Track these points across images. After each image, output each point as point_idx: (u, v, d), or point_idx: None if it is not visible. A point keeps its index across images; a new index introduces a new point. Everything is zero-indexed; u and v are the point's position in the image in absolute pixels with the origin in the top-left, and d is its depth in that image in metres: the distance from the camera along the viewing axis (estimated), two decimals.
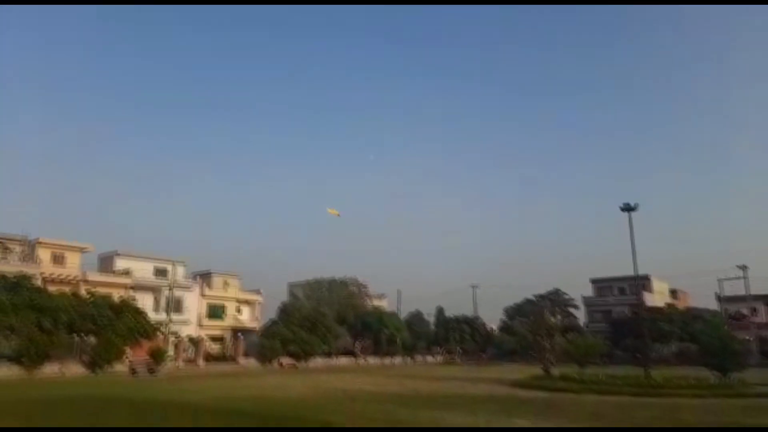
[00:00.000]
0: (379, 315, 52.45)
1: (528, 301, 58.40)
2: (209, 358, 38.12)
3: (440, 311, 62.75)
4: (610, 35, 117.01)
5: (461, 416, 12.29)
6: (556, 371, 25.05)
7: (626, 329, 49.39)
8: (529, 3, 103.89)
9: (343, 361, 45.76)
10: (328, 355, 44.99)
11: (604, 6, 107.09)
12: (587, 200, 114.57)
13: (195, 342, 38.27)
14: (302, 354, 40.54)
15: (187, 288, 43.89)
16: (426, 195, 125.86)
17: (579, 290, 64.76)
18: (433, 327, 61.83)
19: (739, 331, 46.84)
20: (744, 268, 50.57)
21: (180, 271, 44.28)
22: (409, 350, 54.78)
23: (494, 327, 65.34)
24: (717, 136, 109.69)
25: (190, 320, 43.16)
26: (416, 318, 63.32)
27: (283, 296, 57.23)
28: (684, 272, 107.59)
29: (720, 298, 56.09)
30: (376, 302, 62.46)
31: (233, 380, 24.88)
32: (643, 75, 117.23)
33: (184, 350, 36.75)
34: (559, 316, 56.94)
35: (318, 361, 42.21)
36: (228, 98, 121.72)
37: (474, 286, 67.84)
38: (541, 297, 57.56)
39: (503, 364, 46.13)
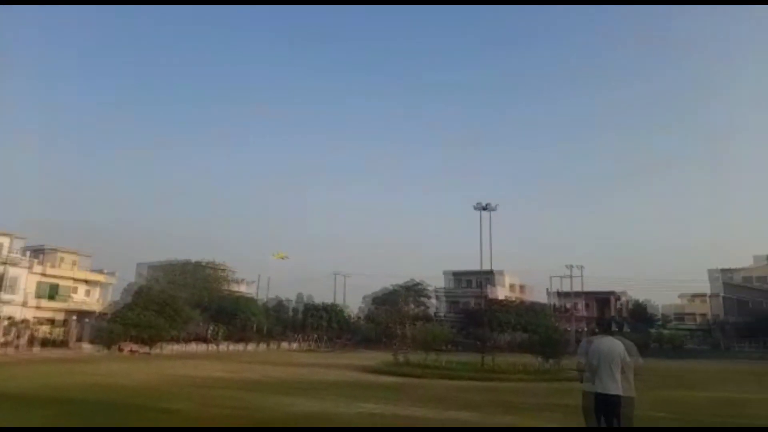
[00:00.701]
0: (238, 300, 50.98)
1: (388, 290, 60.72)
2: (45, 343, 34.19)
3: (302, 298, 62.83)
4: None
5: (310, 401, 12.48)
6: (406, 357, 26.46)
7: (473, 319, 53.70)
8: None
9: (196, 347, 43.79)
10: (179, 340, 42.74)
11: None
12: (454, 196, 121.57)
13: (19, 324, 33.99)
14: (149, 339, 37.99)
15: (16, 264, 38.75)
16: (296, 183, 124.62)
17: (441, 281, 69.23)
18: (293, 313, 61.74)
19: (564, 322, 53.55)
20: (571, 267, 57.64)
21: (17, 245, 39.10)
22: (267, 336, 54.07)
23: (357, 315, 67.09)
24: (570, 143, 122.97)
25: (19, 300, 38.29)
26: (278, 304, 62.70)
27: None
28: (533, 268, 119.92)
29: (551, 294, 63.45)
30: (237, 287, 60.62)
31: (69, 366, 22.59)
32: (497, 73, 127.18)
33: (7, 333, 32.48)
34: (413, 306, 60.15)
35: (168, 347, 39.91)
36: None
37: (337, 274, 68.89)
38: (401, 287, 60.17)
39: (361, 351, 47.50)
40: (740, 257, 69.38)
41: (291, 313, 62.30)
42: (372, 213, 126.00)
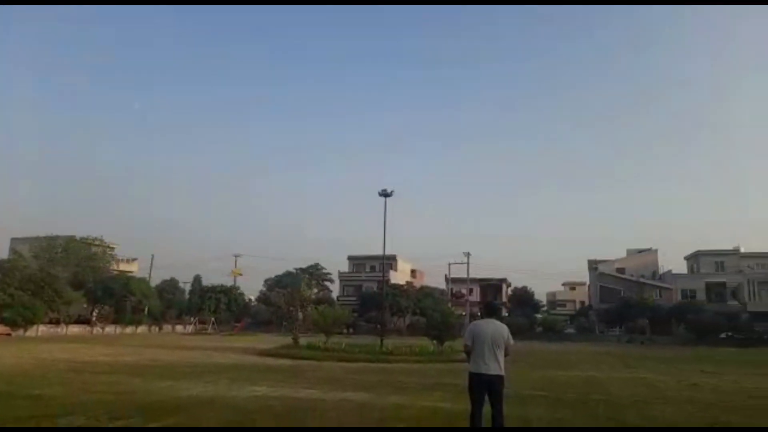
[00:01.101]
0: (126, 280, 47.90)
1: (288, 273, 60.09)
2: None
3: (197, 279, 60.35)
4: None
5: (201, 385, 12.12)
6: (304, 340, 26.49)
7: (372, 303, 54.78)
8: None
9: (76, 329, 40.67)
10: (57, 323, 39.45)
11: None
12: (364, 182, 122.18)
13: None
14: (22, 321, 34.65)
15: None
16: (195, 160, 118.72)
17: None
18: (188, 295, 59.19)
19: (458, 307, 56.14)
20: (468, 254, 60.49)
21: None
22: (157, 319, 51.44)
23: (253, 298, 65.67)
24: (475, 142, 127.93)
25: None
26: (170, 285, 59.76)
27: None
28: (433, 255, 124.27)
29: (449, 280, 66.22)
30: (125, 267, 56.92)
31: None
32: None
33: None
34: (315, 289, 60.13)
35: (43, 330, 36.71)
36: None
37: (237, 256, 66.92)
38: (302, 270, 59.82)
39: (258, 334, 46.69)
40: (617, 250, 76.11)
41: (188, 296, 59.72)
42: (281, 198, 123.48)
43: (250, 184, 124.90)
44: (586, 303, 73.52)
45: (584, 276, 72.89)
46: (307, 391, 11.64)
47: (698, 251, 61.18)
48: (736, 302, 54.73)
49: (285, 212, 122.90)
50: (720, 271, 58.89)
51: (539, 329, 55.53)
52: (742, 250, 59.16)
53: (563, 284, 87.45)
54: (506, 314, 64.57)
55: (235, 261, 69.30)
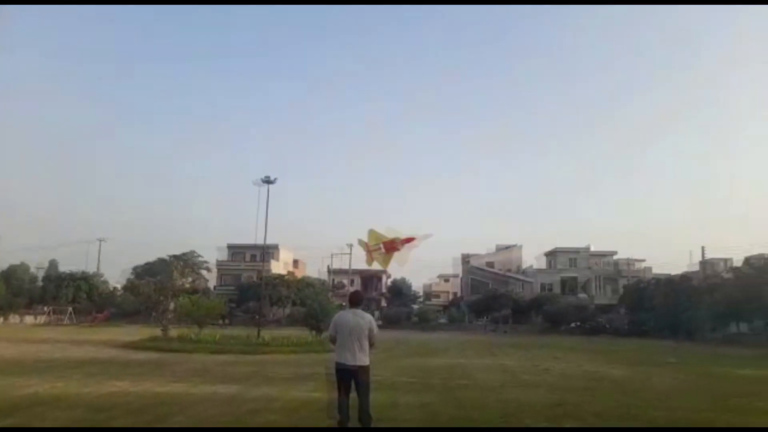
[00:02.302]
0: None
1: (160, 261, 56.44)
2: None
3: (53, 265, 54.55)
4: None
5: (48, 382, 10.98)
6: (175, 332, 25.11)
7: (250, 293, 53.37)
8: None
9: None
10: None
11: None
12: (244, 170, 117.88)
13: None
14: None
15: None
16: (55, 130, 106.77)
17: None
18: (41, 282, 53.29)
19: (340, 298, 56.63)
20: (351, 245, 61.23)
21: None
22: (2, 308, 45.76)
23: (119, 286, 60.76)
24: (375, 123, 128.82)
25: None
26: (18, 271, 53.44)
27: None
28: (315, 245, 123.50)
29: (330, 270, 66.54)
30: None
31: None
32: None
33: None
34: (189, 278, 57.16)
35: None
36: None
37: (101, 240, 61.51)
38: (175, 257, 56.48)
39: (123, 326, 43.35)
40: (488, 245, 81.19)
41: (41, 283, 53.68)
42: (154, 181, 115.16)
43: (119, 164, 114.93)
44: (459, 294, 78.02)
45: (458, 269, 77.30)
46: (173, 384, 11.07)
47: (556, 249, 67.61)
48: (585, 295, 61.49)
49: (160, 196, 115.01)
50: (573, 267, 65.69)
51: (414, 319, 57.91)
52: (592, 249, 66.45)
53: (438, 276, 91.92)
54: (384, 305, 66.62)
55: (99, 245, 63.74)
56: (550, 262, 69.45)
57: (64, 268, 55.96)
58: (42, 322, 47.33)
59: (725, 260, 54.24)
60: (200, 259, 58.62)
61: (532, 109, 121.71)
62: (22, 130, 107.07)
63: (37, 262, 58.18)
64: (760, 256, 44.01)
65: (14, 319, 47.10)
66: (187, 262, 56.91)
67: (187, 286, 53.25)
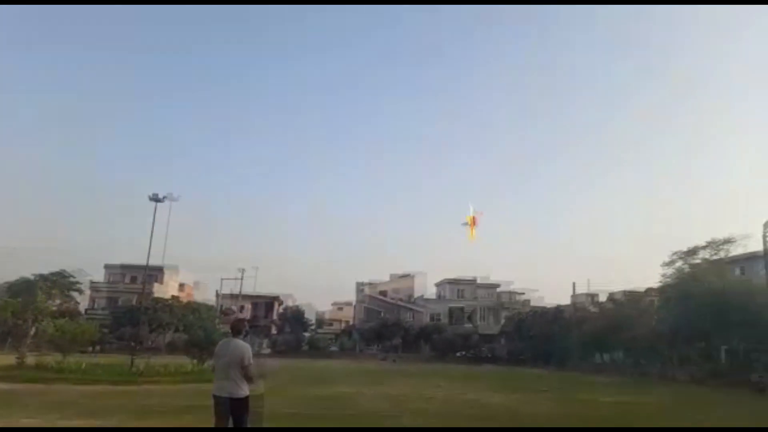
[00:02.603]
0: None
1: (24, 281, 50.45)
2: None
3: None
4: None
5: None
6: (33, 359, 22.48)
7: (128, 318, 49.39)
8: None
9: None
10: None
11: None
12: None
13: None
14: None
15: None
16: None
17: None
18: None
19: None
20: (243, 270, 59.25)
21: None
22: None
23: None
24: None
25: None
26: None
27: None
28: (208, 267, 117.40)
29: (220, 295, 63.69)
30: None
31: None
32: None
33: None
34: (58, 300, 51.71)
35: None
36: None
37: None
38: (41, 277, 50.82)
39: None
40: (383, 273, 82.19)
41: None
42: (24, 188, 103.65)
43: None
44: (352, 323, 78.00)
45: (351, 297, 77.50)
46: (26, 420, 9.89)
47: (445, 279, 70.27)
48: (470, 325, 64.27)
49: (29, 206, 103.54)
50: (461, 297, 68.57)
51: (306, 347, 56.87)
52: (478, 280, 69.91)
53: (333, 304, 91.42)
54: (275, 332, 64.74)
55: None
56: (440, 292, 71.92)
57: None
58: None
59: (593, 295, 59.61)
60: (72, 279, 53.19)
61: (441, 139, 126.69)
62: None
63: None
64: (621, 293, 48.90)
65: None
66: (55, 282, 51.38)
67: (53, 308, 47.98)
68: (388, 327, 59.37)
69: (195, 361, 25.11)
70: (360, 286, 73.95)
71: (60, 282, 52.04)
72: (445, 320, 64.85)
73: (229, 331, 6.47)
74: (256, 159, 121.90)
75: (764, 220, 29.76)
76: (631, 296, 45.12)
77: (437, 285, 72.44)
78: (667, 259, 36.05)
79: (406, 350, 58.12)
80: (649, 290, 41.38)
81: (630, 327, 37.77)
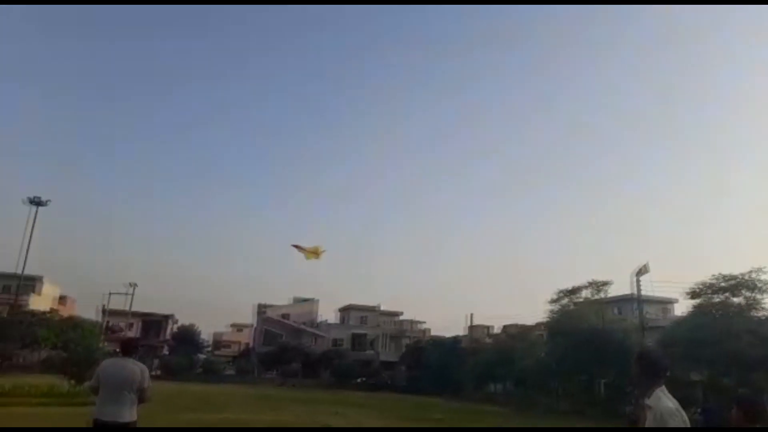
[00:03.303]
0: None
1: None
2: None
3: None
4: None
5: None
6: None
7: None
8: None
9: None
10: None
11: None
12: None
13: None
14: None
15: None
16: None
17: None
18: None
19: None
20: (133, 285, 55.58)
21: None
22: None
23: None
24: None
25: None
26: None
27: None
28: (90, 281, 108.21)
29: (105, 311, 58.97)
30: None
31: None
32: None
33: None
34: None
35: None
36: None
37: None
38: None
39: None
40: (283, 297, 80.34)
41: None
42: None
43: None
44: (250, 345, 75.22)
45: (249, 319, 75.00)
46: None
47: (350, 305, 70.24)
48: (372, 351, 64.49)
49: None
50: (364, 324, 68.77)
51: (199, 370, 53.99)
52: (382, 308, 70.58)
53: (231, 325, 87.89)
54: (166, 353, 60.91)
55: None
56: (343, 317, 71.65)
57: None
58: None
59: (488, 327, 62.24)
60: None
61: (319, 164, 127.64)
62: None
63: None
64: (515, 326, 51.56)
65: None
66: None
67: None
68: (288, 351, 58.02)
69: (72, 381, 22.99)
70: (261, 308, 71.79)
71: None
72: (347, 346, 64.58)
73: (117, 349, 6.09)
74: (155, 171, 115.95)
75: (633, 268, 33.61)
76: (523, 329, 47.68)
77: (341, 310, 72.17)
78: (554, 296, 38.74)
79: (306, 376, 56.96)
80: (538, 324, 44.06)
81: (521, 358, 39.87)
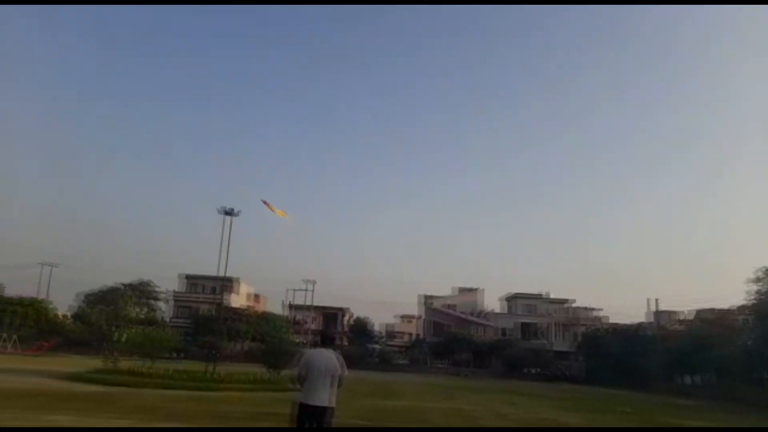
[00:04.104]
0: None
1: (112, 289, 54.31)
2: None
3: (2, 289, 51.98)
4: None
5: None
6: (126, 365, 24.10)
7: (207, 326, 51.74)
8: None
9: None
10: None
11: None
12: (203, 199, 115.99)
13: None
14: None
15: None
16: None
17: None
18: None
19: (297, 335, 55.56)
20: (308, 282, 60.44)
21: None
22: None
23: (69, 314, 58.04)
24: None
25: None
26: None
27: None
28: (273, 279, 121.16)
29: (286, 306, 65.36)
30: None
31: None
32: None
33: None
34: (145, 309, 55.19)
35: None
36: None
37: (48, 265, 59.10)
38: (129, 286, 54.52)
39: (70, 356, 41.24)
40: (445, 287, 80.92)
41: None
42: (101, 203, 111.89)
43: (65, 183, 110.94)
44: (420, 335, 77.43)
45: (414, 310, 77.16)
46: (114, 420, 10.60)
47: (516, 294, 68.39)
48: (545, 341, 62.09)
49: (120, 222, 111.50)
50: (532, 312, 66.47)
51: (375, 359, 57.08)
52: (551, 296, 67.53)
53: (401, 317, 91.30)
54: (345, 344, 65.57)
55: (50, 272, 61.25)
56: (510, 307, 70.10)
57: (11, 292, 53.40)
58: None
59: (676, 312, 55.90)
60: (156, 289, 56.73)
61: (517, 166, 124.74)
62: None
63: None
64: (710, 311, 45.59)
65: None
66: (142, 291, 54.97)
67: (141, 317, 51.27)
68: (458, 341, 58.50)
69: (271, 369, 25.88)
70: (427, 300, 73.34)
71: (146, 291, 55.56)
72: (516, 335, 63.11)
73: (308, 340, 6.62)
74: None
75: None
76: (720, 314, 41.97)
77: (508, 299, 70.70)
78: (759, 275, 33.30)
79: (476, 365, 56.99)
80: (741, 308, 38.33)
81: (720, 346, 35.11)
